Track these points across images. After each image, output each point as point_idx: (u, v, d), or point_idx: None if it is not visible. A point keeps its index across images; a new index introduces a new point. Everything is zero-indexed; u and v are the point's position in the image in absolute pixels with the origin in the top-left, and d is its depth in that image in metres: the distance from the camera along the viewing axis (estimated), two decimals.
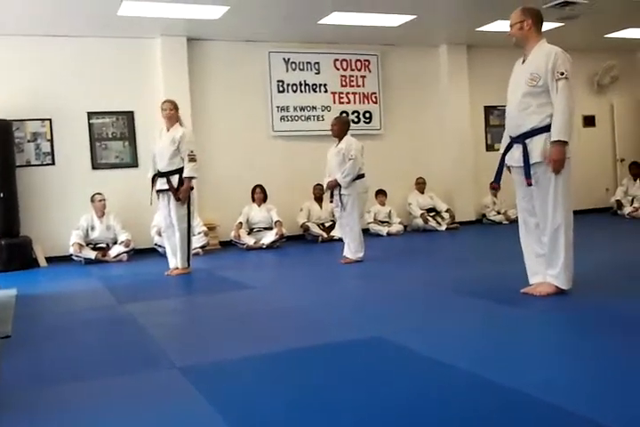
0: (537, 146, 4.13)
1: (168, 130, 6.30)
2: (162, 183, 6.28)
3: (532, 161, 4.15)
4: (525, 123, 4.17)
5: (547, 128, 4.09)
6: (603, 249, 6.57)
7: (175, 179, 6.22)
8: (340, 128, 6.64)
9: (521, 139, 4.20)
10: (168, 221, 6.39)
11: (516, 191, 4.44)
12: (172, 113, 6.27)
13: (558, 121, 4.02)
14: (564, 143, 4.04)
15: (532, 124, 4.14)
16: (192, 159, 6.19)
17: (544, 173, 4.13)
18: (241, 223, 8.58)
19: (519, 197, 4.41)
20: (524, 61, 4.30)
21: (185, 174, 6.18)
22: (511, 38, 4.37)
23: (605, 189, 11.46)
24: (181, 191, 6.20)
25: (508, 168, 4.45)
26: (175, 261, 6.44)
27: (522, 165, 4.20)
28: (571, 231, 4.19)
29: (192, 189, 6.31)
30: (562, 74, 4.03)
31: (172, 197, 6.25)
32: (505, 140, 4.44)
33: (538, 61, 4.14)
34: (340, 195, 6.53)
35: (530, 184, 4.18)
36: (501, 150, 4.47)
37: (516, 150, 4.27)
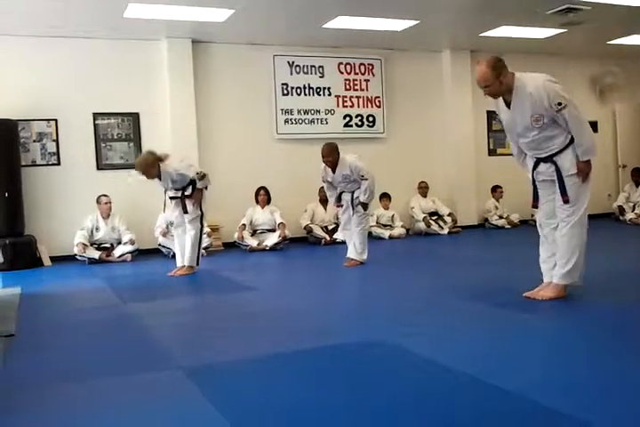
0: (566, 160, 4.17)
1: (160, 179, 6.35)
2: (175, 192, 6.42)
3: (565, 174, 4.18)
4: (549, 148, 4.20)
5: (570, 143, 4.14)
6: (605, 255, 6.55)
7: (189, 190, 6.36)
8: (336, 158, 6.40)
9: (549, 158, 4.24)
10: (180, 220, 6.46)
11: (539, 206, 4.46)
12: (149, 170, 6.27)
13: (582, 143, 4.10)
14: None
15: (556, 147, 4.18)
16: (202, 177, 6.33)
17: (576, 183, 4.19)
18: (244, 225, 8.62)
19: (541, 199, 4.42)
20: (508, 104, 4.20)
21: (198, 186, 6.34)
22: (492, 95, 4.25)
23: (607, 195, 11.47)
24: (192, 197, 6.34)
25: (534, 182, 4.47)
26: (182, 259, 6.51)
27: (553, 178, 4.24)
28: (585, 231, 4.24)
29: (206, 188, 6.47)
30: (559, 104, 4.01)
31: (185, 199, 6.37)
32: (519, 156, 4.48)
33: (531, 102, 4.06)
34: (353, 198, 6.55)
35: (567, 201, 4.18)
36: (528, 170, 4.45)
37: (543, 167, 4.30)
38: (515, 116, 4.20)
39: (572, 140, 4.15)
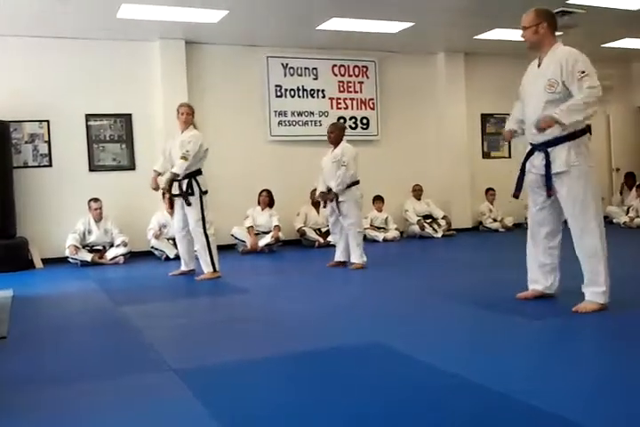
0: (560, 155, 3.98)
1: (182, 133, 6.30)
2: (176, 188, 6.25)
3: (554, 171, 4.02)
4: (547, 131, 3.98)
5: (569, 136, 3.98)
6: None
7: (184, 184, 6.17)
8: (338, 135, 6.65)
9: (543, 147, 4.06)
10: (181, 224, 6.38)
11: (528, 199, 4.36)
12: (188, 117, 6.27)
13: (571, 102, 3.86)
14: (556, 121, 3.87)
15: (554, 132, 3.97)
16: (182, 157, 6.09)
17: (571, 183, 4.00)
18: (252, 227, 8.54)
19: (532, 205, 4.33)
20: (539, 65, 4.16)
21: (172, 169, 6.15)
22: (525, 41, 4.22)
23: (601, 199, 11.47)
24: (160, 182, 6.26)
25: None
26: (186, 262, 6.52)
27: (543, 173, 4.09)
28: (603, 241, 4.05)
29: (206, 192, 6.25)
30: (583, 72, 3.90)
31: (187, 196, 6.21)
32: (510, 125, 4.37)
33: (555, 66, 4.00)
34: (338, 202, 6.54)
35: (550, 195, 4.08)
36: (521, 157, 4.34)
37: (537, 158, 4.13)
38: (539, 76, 4.10)
39: (571, 136, 3.97)
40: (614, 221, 10.44)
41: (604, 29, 9.03)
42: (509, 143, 10.43)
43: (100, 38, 8.23)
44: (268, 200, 8.73)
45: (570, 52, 4.05)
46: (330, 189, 6.58)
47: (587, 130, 4.10)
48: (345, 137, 6.73)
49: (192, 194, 6.19)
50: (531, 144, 4.23)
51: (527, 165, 4.27)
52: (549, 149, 4.04)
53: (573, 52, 4.03)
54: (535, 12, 4.15)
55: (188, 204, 6.19)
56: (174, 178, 6.14)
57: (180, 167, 6.10)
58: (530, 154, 4.23)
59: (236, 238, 8.56)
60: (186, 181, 6.18)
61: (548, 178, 4.06)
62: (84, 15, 7.29)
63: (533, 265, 4.38)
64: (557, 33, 9.11)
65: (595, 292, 4.05)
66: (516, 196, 4.32)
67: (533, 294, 4.39)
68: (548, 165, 4.04)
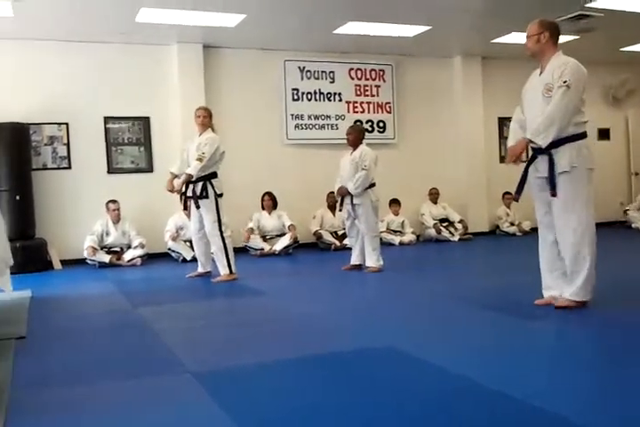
0: (563, 156, 4.08)
1: (200, 135, 6.32)
2: (190, 190, 6.27)
3: (558, 171, 4.09)
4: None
5: (571, 138, 4.07)
6: (618, 263, 6.50)
7: (198, 187, 6.18)
8: (356, 137, 6.65)
9: (546, 150, 4.12)
10: (197, 226, 6.42)
11: (535, 205, 4.39)
12: (205, 120, 6.30)
13: (538, 122, 4.04)
14: (531, 142, 4.10)
15: (554, 133, 4.05)
16: (198, 159, 6.11)
17: (569, 183, 4.09)
18: (251, 229, 8.59)
19: (538, 211, 4.37)
20: (540, 73, 4.27)
21: (186, 170, 6.17)
22: (527, 50, 4.37)
23: (620, 203, 11.38)
24: (177, 183, 6.26)
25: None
26: (202, 264, 6.58)
27: (546, 175, 4.14)
28: (593, 243, 4.14)
29: (221, 195, 6.25)
30: (565, 82, 4.01)
31: (200, 203, 6.23)
32: (513, 137, 4.43)
33: (553, 73, 4.12)
34: (353, 204, 6.55)
35: (554, 195, 4.13)
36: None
37: (541, 162, 4.19)
38: (539, 82, 4.21)
39: (571, 138, 4.06)
40: (633, 225, 10.38)
41: (623, 33, 8.96)
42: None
43: (118, 42, 8.31)
44: (271, 203, 8.76)
45: (567, 60, 4.16)
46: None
47: (586, 134, 4.19)
48: (364, 140, 6.74)
49: (206, 197, 6.21)
50: (533, 149, 4.29)
51: (531, 170, 4.32)
52: (552, 151, 4.11)
53: (570, 62, 4.13)
54: (539, 23, 4.30)
55: (197, 206, 6.23)
56: (189, 179, 6.17)
57: (194, 168, 6.13)
58: (533, 159, 4.29)
59: (249, 248, 8.59)
60: (200, 184, 6.20)
61: (551, 177, 4.12)
62: (103, 19, 7.36)
63: (545, 270, 4.39)
64: (575, 37, 9.13)
65: (571, 291, 4.17)
66: (516, 199, 4.44)
67: (551, 300, 4.38)
68: (551, 166, 4.11)
